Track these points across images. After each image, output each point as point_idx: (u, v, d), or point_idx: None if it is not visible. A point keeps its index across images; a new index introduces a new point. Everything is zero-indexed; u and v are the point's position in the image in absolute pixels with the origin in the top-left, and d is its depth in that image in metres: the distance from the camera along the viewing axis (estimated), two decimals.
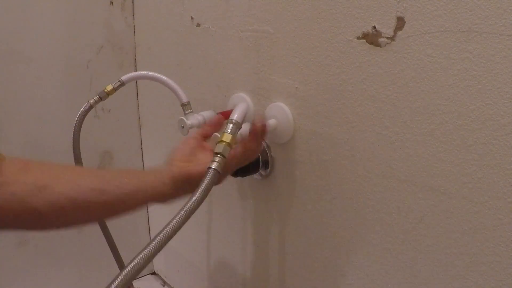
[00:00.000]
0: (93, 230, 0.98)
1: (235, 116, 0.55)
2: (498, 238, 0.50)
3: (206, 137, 0.63)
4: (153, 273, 1.33)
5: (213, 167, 0.50)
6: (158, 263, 1.30)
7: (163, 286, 1.28)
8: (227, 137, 0.53)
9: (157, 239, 0.43)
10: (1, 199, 0.48)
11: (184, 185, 0.56)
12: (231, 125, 0.54)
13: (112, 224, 0.96)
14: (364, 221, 0.64)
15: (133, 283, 1.10)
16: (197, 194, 0.47)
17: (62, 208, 0.51)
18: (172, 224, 0.44)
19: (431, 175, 0.55)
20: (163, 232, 0.43)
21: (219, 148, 0.52)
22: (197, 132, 0.64)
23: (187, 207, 0.46)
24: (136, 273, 0.40)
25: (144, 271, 1.31)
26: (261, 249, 0.86)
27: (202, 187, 0.48)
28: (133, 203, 0.55)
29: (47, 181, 0.51)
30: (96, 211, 0.54)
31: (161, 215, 1.23)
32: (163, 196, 0.57)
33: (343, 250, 0.69)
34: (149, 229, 1.30)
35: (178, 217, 0.45)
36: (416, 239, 0.58)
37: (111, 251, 0.99)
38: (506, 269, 0.50)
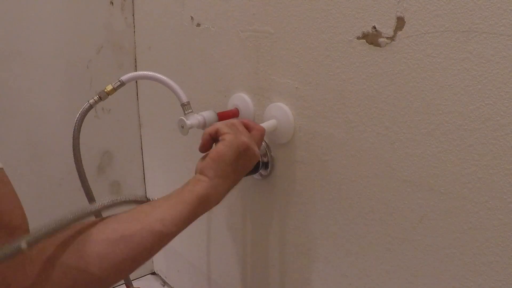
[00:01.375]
0: None
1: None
2: (498, 238, 0.50)
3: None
4: (153, 273, 1.33)
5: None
6: (158, 263, 1.30)
7: (163, 286, 1.28)
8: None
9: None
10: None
11: (216, 165, 0.59)
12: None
13: None
14: (364, 221, 0.64)
15: (133, 283, 1.10)
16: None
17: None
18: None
19: (431, 175, 0.55)
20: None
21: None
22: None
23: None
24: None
25: (144, 271, 1.31)
26: (261, 249, 0.86)
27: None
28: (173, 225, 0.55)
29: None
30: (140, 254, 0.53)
31: None
32: (203, 195, 0.58)
33: (343, 250, 0.69)
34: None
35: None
36: (416, 239, 0.58)
37: None
38: (506, 269, 0.50)
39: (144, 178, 1.25)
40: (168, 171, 1.13)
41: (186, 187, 0.58)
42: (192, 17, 0.90)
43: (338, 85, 0.63)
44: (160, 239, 0.53)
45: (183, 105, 0.77)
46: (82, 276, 0.47)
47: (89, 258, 0.47)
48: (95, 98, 0.81)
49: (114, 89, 0.82)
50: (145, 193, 1.26)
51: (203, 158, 0.62)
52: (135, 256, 0.50)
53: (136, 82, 1.18)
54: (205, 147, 0.64)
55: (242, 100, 0.80)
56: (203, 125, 0.76)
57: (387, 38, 0.56)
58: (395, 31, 0.55)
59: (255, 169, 0.77)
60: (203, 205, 0.58)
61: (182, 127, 0.74)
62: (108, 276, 0.49)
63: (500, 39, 0.46)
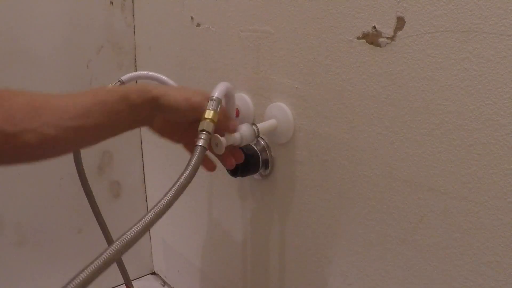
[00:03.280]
0: (93, 230, 0.98)
1: (216, 93, 0.56)
2: (498, 238, 0.50)
3: None
4: (153, 273, 1.33)
5: (200, 144, 0.51)
6: (158, 263, 1.30)
7: (163, 286, 1.28)
8: (209, 114, 0.54)
9: (148, 216, 0.43)
10: None
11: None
12: (212, 102, 0.55)
13: (112, 224, 0.96)
14: (364, 221, 0.64)
15: (133, 283, 1.10)
16: (187, 172, 0.47)
17: (51, 138, 0.48)
18: (163, 201, 0.44)
19: (431, 175, 0.55)
20: (155, 209, 0.44)
21: (203, 125, 0.53)
22: None
23: (178, 184, 0.46)
24: (126, 248, 0.40)
25: (144, 271, 1.31)
26: (261, 249, 0.86)
27: (191, 164, 0.48)
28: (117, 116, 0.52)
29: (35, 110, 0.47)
30: (86, 135, 0.51)
31: None
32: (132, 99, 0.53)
33: (343, 250, 0.69)
34: (149, 230, 1.30)
35: (169, 193, 0.45)
36: (416, 239, 0.58)
37: None
38: (506, 269, 0.50)
39: (144, 178, 1.25)
40: (168, 171, 1.13)
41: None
42: (192, 17, 0.90)
43: (338, 85, 0.63)
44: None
45: None
46: None
47: None
48: None
49: None
50: (145, 193, 1.26)
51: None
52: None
53: (136, 82, 1.17)
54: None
55: (242, 100, 0.80)
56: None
57: (387, 38, 0.56)
58: (395, 31, 0.55)
59: (255, 169, 0.77)
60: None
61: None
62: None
63: (500, 39, 0.46)
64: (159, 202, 0.44)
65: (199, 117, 0.54)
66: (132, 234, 0.41)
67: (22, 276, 1.10)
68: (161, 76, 0.80)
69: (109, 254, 0.39)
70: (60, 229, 1.12)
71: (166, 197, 0.45)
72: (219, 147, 0.60)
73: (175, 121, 0.59)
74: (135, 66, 1.15)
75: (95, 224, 0.95)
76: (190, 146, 0.62)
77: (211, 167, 0.63)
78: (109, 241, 0.97)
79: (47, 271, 1.13)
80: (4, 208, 1.02)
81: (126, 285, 1.07)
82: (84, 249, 1.17)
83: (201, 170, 0.54)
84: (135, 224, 0.42)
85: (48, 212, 1.09)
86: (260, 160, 0.76)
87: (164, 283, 1.28)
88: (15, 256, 1.07)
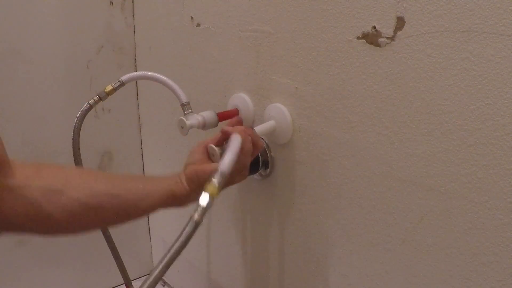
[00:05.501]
0: None
1: (225, 167, 0.52)
2: (498, 238, 0.50)
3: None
4: None
5: (195, 219, 0.47)
6: None
7: (163, 286, 1.28)
8: (213, 190, 0.50)
9: (156, 272, 0.45)
10: (14, 203, 0.49)
11: (195, 183, 0.58)
12: (218, 175, 0.51)
13: None
14: (364, 221, 0.64)
15: (133, 283, 1.10)
16: (178, 243, 0.47)
17: (75, 213, 0.51)
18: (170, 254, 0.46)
19: (431, 175, 0.55)
20: (162, 263, 0.46)
21: (203, 200, 0.49)
22: (202, 144, 0.65)
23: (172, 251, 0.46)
24: None
25: (144, 271, 1.31)
26: (261, 249, 0.86)
27: (183, 237, 0.47)
28: (145, 206, 0.56)
29: (60, 186, 0.51)
30: (108, 215, 0.54)
31: (161, 216, 1.23)
32: (177, 196, 0.58)
33: (343, 250, 0.69)
34: (149, 230, 1.30)
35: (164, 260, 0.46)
36: (416, 239, 0.58)
37: (111, 251, 0.99)
38: (506, 269, 0.50)
39: None
40: (168, 171, 1.13)
41: (167, 186, 0.59)
42: (192, 17, 0.90)
43: (338, 85, 0.63)
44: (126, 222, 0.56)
45: (183, 105, 0.77)
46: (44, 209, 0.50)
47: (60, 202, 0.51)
48: (95, 98, 0.81)
49: (114, 89, 0.82)
50: None
51: (200, 157, 0.62)
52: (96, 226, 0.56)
53: (136, 82, 1.18)
54: (220, 142, 0.64)
55: (242, 100, 0.80)
56: (203, 125, 0.76)
57: (387, 38, 0.56)
58: (395, 31, 0.55)
59: (255, 169, 0.77)
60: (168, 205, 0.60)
61: (182, 127, 0.73)
62: (63, 226, 0.52)
63: (500, 39, 0.46)
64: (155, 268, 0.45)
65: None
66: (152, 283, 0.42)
67: (22, 276, 1.10)
68: (161, 76, 0.80)
69: None
70: None
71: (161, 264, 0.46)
72: (215, 157, 0.63)
73: None
74: (135, 66, 1.15)
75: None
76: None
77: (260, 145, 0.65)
78: (109, 241, 0.97)
79: (47, 271, 1.13)
80: None
81: (126, 285, 1.07)
82: (84, 249, 1.17)
83: None
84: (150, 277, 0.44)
85: None
86: (260, 160, 0.76)
87: (164, 283, 1.28)
88: (15, 256, 1.07)
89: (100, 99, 0.81)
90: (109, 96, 0.82)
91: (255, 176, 0.80)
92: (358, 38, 0.59)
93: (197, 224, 0.47)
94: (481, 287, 0.52)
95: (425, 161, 0.55)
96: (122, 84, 0.82)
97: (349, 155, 0.64)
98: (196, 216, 0.47)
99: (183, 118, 0.74)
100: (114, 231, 0.98)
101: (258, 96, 0.78)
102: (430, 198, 0.55)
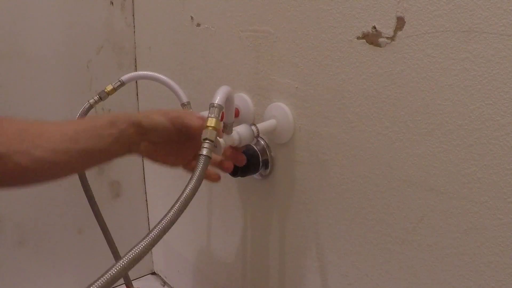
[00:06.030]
0: (93, 230, 0.98)
1: (216, 100, 0.54)
2: (498, 238, 0.50)
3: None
4: (153, 273, 1.33)
5: (204, 153, 0.49)
6: (158, 263, 1.30)
7: (163, 286, 1.28)
8: (211, 121, 0.52)
9: (155, 230, 0.43)
10: None
11: (175, 126, 0.55)
12: (214, 109, 0.53)
13: (112, 224, 0.96)
14: (364, 221, 0.64)
15: (133, 283, 1.10)
16: (192, 182, 0.46)
17: (45, 161, 0.48)
18: (170, 214, 0.44)
19: (431, 175, 0.55)
20: (162, 223, 0.44)
21: (206, 133, 0.51)
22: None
23: (184, 195, 0.45)
24: (133, 263, 0.40)
25: (144, 271, 1.31)
26: (261, 249, 0.86)
27: (196, 174, 0.47)
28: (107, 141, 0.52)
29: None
30: (75, 161, 0.51)
31: (161, 216, 1.23)
32: (143, 127, 0.54)
33: (343, 250, 0.69)
34: (149, 230, 1.30)
35: (175, 207, 0.45)
36: (416, 239, 0.58)
37: (111, 251, 0.99)
38: (506, 269, 0.50)
39: (144, 178, 1.25)
40: (168, 171, 1.13)
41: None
42: (192, 17, 0.90)
43: (338, 85, 0.63)
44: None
45: (183, 105, 0.77)
46: None
47: None
48: (95, 98, 0.81)
49: (114, 89, 0.82)
50: (145, 193, 1.26)
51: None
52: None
53: (136, 82, 1.18)
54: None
55: (242, 100, 0.80)
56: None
57: (387, 38, 0.56)
58: (395, 31, 0.55)
59: (255, 169, 0.77)
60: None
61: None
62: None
63: (500, 39, 0.46)
64: (166, 215, 0.44)
65: (187, 136, 0.54)
66: (139, 250, 0.41)
67: (22, 276, 1.10)
68: (161, 76, 0.80)
69: (116, 270, 0.38)
70: (60, 229, 1.12)
71: (173, 210, 0.44)
72: (218, 148, 0.59)
73: (162, 141, 0.57)
74: (135, 66, 1.15)
75: (95, 224, 0.95)
76: (189, 166, 0.61)
77: (214, 178, 0.62)
78: (109, 241, 0.97)
79: (47, 271, 1.13)
80: (4, 208, 1.02)
81: (126, 285, 1.07)
82: (84, 249, 1.17)
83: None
84: (142, 240, 0.41)
85: (48, 212, 1.09)
86: (260, 160, 0.76)
87: (164, 283, 1.28)
88: (15, 256, 1.07)
89: (101, 98, 0.81)
90: (109, 96, 0.82)
91: (255, 176, 0.80)
92: (358, 38, 0.59)
93: (208, 158, 0.49)
94: (481, 287, 0.52)
95: (425, 161, 0.55)
96: (123, 84, 0.82)
97: (349, 155, 0.64)
98: (204, 151, 0.49)
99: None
100: (114, 231, 0.98)
101: (258, 96, 0.78)
102: (430, 198, 0.55)
